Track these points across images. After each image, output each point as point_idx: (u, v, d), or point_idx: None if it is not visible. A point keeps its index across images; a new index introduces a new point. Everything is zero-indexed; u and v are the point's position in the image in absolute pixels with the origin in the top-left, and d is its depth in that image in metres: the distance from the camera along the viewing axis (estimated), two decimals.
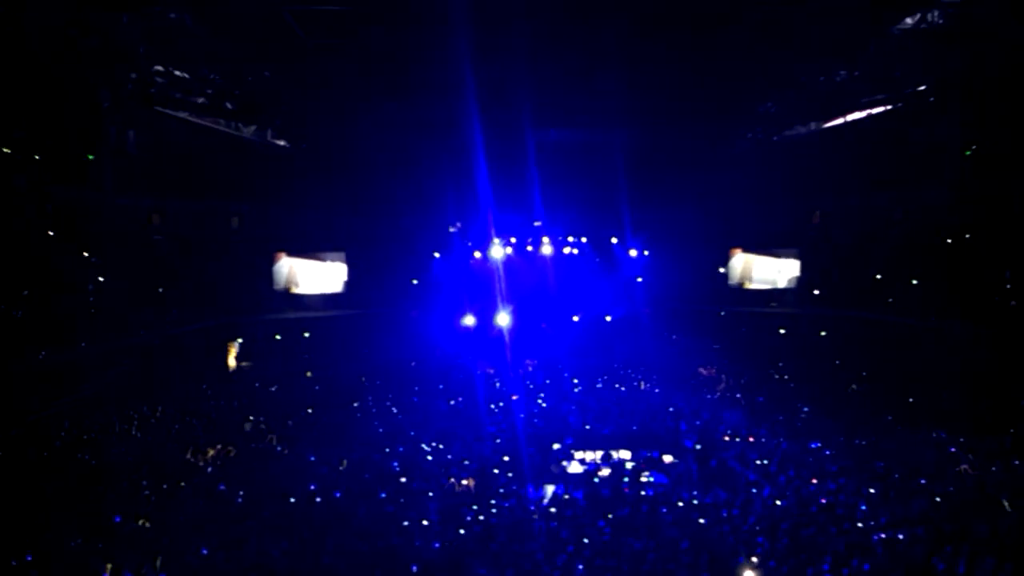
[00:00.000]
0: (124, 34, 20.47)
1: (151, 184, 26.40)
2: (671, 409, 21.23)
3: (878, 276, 27.92)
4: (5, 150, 20.77)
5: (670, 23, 18.61)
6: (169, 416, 19.95)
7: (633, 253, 33.46)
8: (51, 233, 21.77)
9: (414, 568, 11.40)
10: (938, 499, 13.70)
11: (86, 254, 22.84)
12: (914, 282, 25.90)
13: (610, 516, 13.35)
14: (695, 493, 14.96)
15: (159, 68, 24.24)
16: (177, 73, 24.59)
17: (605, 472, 16.62)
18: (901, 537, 12.01)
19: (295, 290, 32.15)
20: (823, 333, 28.64)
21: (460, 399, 22.75)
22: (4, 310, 19.11)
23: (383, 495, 14.41)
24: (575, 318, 33.13)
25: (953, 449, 16.93)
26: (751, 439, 18.24)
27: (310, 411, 21.44)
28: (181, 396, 21.89)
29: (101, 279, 22.81)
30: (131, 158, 25.40)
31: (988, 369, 20.17)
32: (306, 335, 30.41)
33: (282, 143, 32.11)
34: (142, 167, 25.68)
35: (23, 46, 19.16)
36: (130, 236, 25.77)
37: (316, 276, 32.61)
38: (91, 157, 23.66)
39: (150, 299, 24.76)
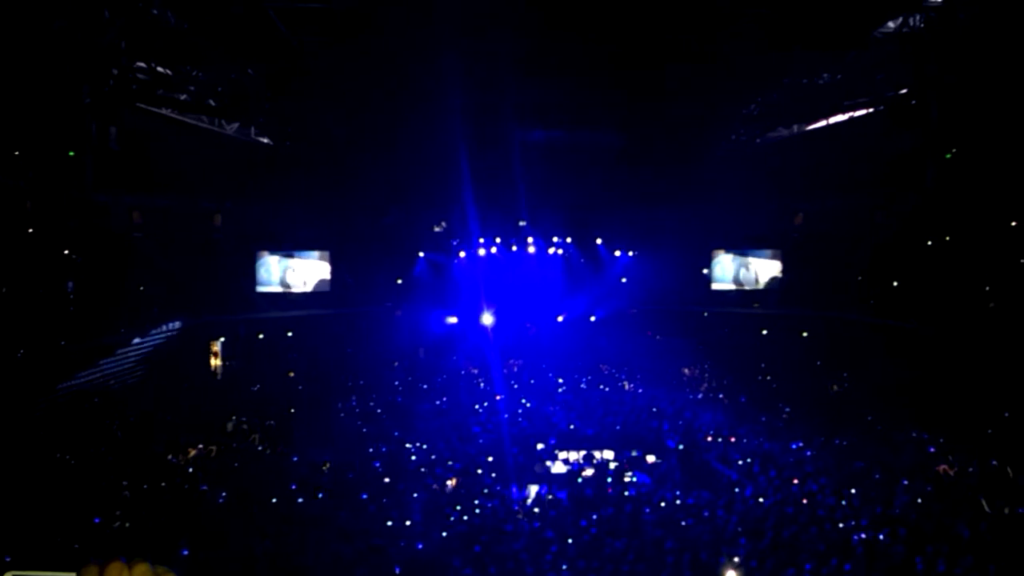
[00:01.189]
0: (106, 29, 20.27)
1: (132, 181, 26.11)
2: (654, 409, 21.32)
3: (859, 278, 28.15)
4: None
5: (655, 25, 18.68)
6: (150, 416, 19.77)
7: (617, 253, 33.55)
8: (30, 230, 21.54)
9: (397, 569, 11.38)
10: (918, 499, 13.83)
11: (65, 251, 22.61)
12: (895, 284, 26.13)
13: (594, 516, 13.38)
14: (678, 493, 15.03)
15: (141, 64, 24.02)
16: (159, 69, 24.38)
17: (589, 472, 16.66)
18: (881, 537, 12.11)
19: (288, 287, 31.89)
20: (804, 334, 28.83)
21: (444, 399, 22.72)
22: None
23: (366, 495, 14.37)
24: (559, 318, 33.18)
25: (932, 449, 17.11)
26: (733, 439, 18.34)
27: (292, 411, 21.34)
28: (161, 396, 21.69)
29: (80, 276, 22.56)
30: (112, 154, 25.12)
31: (968, 371, 20.38)
32: (289, 334, 30.25)
33: (265, 140, 31.91)
34: (123, 164, 25.39)
35: (2, 40, 18.93)
36: (110, 233, 25.52)
37: (301, 274, 32.40)
38: (72, 153, 23.40)
39: (130, 297, 24.52)
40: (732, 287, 32.44)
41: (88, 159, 24.00)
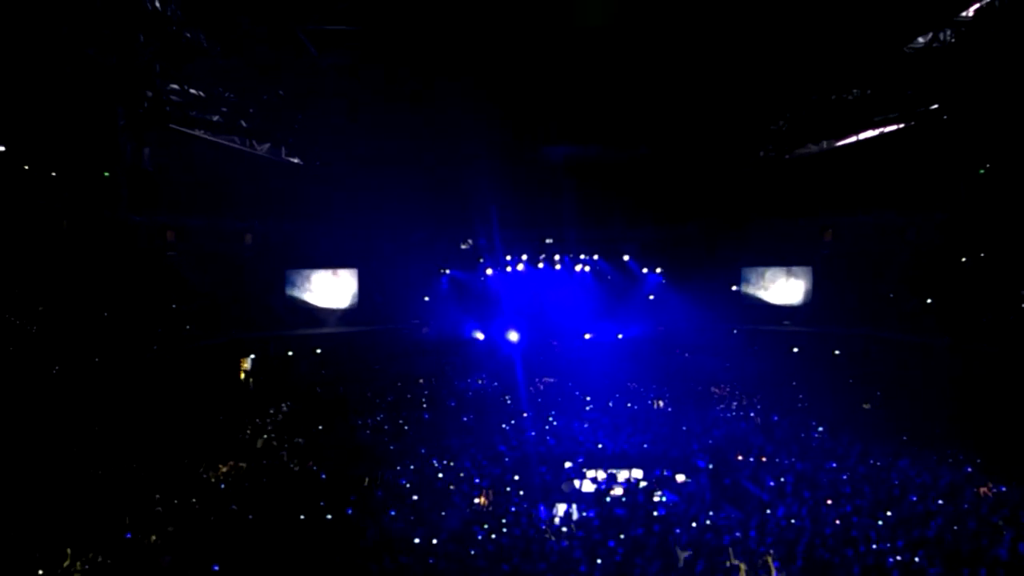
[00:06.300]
0: (140, 52, 20.72)
1: (166, 201, 26.65)
2: (684, 428, 21.12)
3: (891, 295, 27.76)
4: (23, 167, 21.02)
5: (685, 39, 18.68)
6: (180, 432, 19.96)
7: (645, 271, 33.41)
8: (66, 249, 21.97)
9: None
10: (954, 521, 13.53)
11: (101, 270, 23.01)
12: (928, 301, 25.72)
13: (622, 536, 13.25)
14: (709, 513, 14.84)
15: (174, 86, 24.52)
16: (192, 91, 24.86)
17: (617, 491, 16.51)
18: (917, 560, 11.86)
19: (318, 303, 32.20)
20: (836, 352, 28.45)
21: (471, 416, 22.69)
22: (19, 324, 19.24)
23: (393, 512, 14.36)
24: (587, 336, 33.06)
25: (969, 469, 16.76)
26: (764, 459, 18.08)
27: (321, 428, 21.46)
28: (193, 412, 21.89)
29: (115, 295, 22.94)
30: (146, 175, 25.65)
31: (1005, 388, 19.95)
32: (317, 351, 30.44)
33: (295, 160, 32.36)
34: (157, 184, 25.93)
35: (40, 64, 19.43)
36: (145, 252, 25.97)
37: (328, 291, 32.67)
38: (107, 174, 23.90)
39: (164, 315, 24.87)
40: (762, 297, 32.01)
41: (122, 179, 24.53)
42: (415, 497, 15.47)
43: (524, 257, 33.06)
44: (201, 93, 25.00)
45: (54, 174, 21.96)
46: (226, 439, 20.20)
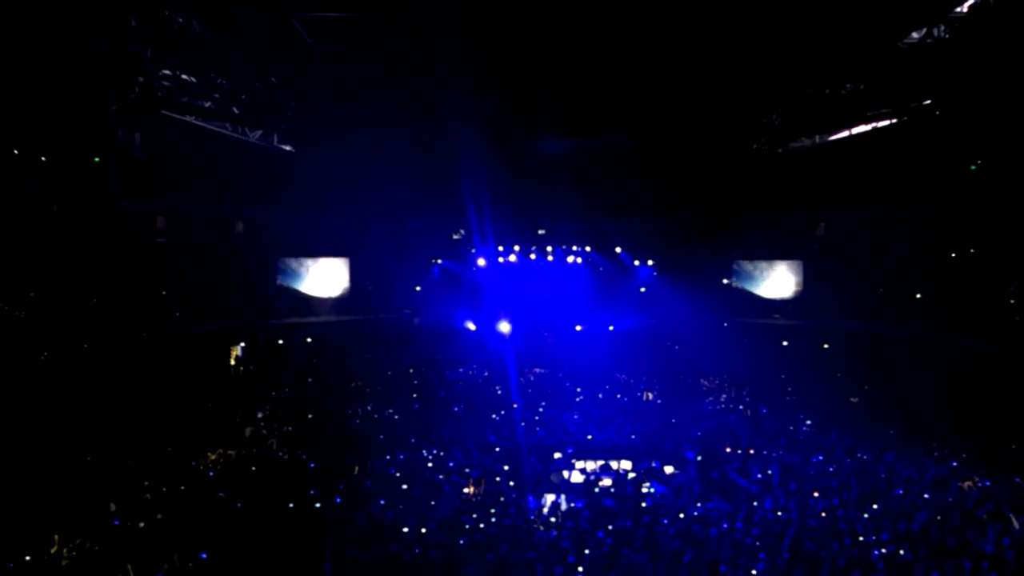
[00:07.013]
0: (131, 37, 20.55)
1: (157, 187, 26.48)
2: (673, 420, 21.20)
3: (881, 289, 27.87)
4: (12, 152, 20.86)
5: (679, 31, 18.65)
6: (169, 419, 19.92)
7: (637, 263, 33.43)
8: (55, 235, 21.82)
9: None
10: (940, 514, 13.63)
11: (91, 256, 22.87)
12: (918, 296, 25.83)
13: (610, 527, 13.30)
14: (697, 505, 14.92)
15: (166, 72, 24.35)
16: (184, 77, 24.70)
17: (606, 482, 16.58)
18: (902, 553, 11.95)
19: (310, 291, 32.08)
20: (826, 345, 28.56)
21: (462, 406, 22.72)
22: (7, 310, 19.13)
23: (383, 501, 14.38)
24: (578, 327, 33.10)
25: (955, 463, 16.88)
26: (752, 451, 18.17)
27: (310, 416, 21.44)
28: (182, 400, 21.84)
29: (105, 281, 22.82)
30: (137, 161, 25.48)
31: (992, 383, 20.08)
32: (308, 340, 30.39)
33: (288, 148, 32.20)
34: (148, 170, 25.76)
35: (31, 49, 19.26)
36: (135, 239, 25.82)
37: (319, 280, 32.55)
38: (97, 160, 23.74)
39: (154, 302, 24.76)
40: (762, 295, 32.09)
41: (113, 165, 24.36)
42: (405, 486, 15.50)
43: (516, 248, 33.04)
44: (193, 79, 24.84)
45: (44, 159, 21.79)
46: (215, 427, 20.15)
